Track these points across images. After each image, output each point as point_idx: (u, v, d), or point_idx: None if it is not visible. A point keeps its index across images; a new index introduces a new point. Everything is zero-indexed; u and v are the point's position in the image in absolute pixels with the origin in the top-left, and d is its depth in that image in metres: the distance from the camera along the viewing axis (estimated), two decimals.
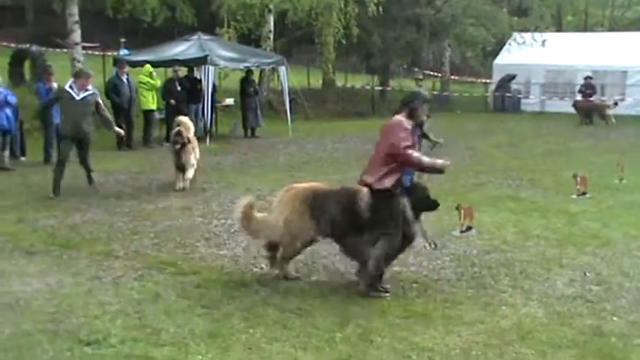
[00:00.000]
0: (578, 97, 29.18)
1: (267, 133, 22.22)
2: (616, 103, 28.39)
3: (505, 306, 6.75)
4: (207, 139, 19.66)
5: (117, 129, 13.10)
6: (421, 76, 22.11)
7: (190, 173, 12.93)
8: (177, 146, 12.69)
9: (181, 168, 12.81)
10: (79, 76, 12.38)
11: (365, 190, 7.10)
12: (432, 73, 39.24)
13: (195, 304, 6.72)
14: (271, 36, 27.75)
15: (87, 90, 12.07)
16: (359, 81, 36.61)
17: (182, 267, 7.93)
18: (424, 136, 10.99)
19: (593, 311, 6.60)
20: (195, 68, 21.06)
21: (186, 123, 13.38)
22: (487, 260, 8.32)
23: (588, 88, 29.17)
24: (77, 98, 11.97)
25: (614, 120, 27.47)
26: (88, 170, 12.50)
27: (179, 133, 12.78)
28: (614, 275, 7.74)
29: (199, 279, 7.48)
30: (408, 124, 6.97)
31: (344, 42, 29.08)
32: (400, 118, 7.03)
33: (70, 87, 12.06)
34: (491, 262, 8.25)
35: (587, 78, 29.76)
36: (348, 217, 7.14)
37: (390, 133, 6.94)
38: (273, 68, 25.09)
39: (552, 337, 5.97)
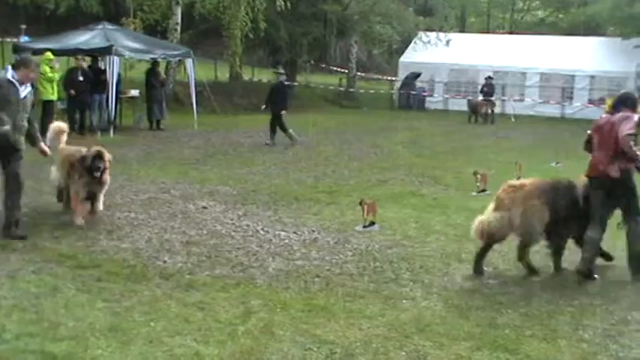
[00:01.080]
0: (480, 97, 30.02)
1: (173, 125, 21.95)
2: (494, 104, 29.35)
3: (405, 299, 6.89)
4: (111, 131, 19.30)
5: (43, 147, 9.28)
6: (281, 70, 22.30)
7: (102, 203, 9.87)
8: (98, 173, 9.39)
9: (92, 197, 9.60)
10: (23, 64, 8.71)
11: (583, 181, 7.94)
12: (338, 69, 39.56)
13: (96, 297, 6.60)
14: (178, 28, 27.37)
15: (28, 86, 8.69)
16: (266, 75, 36.55)
17: (82, 260, 7.76)
18: None
19: (489, 304, 6.81)
20: (99, 58, 20.61)
21: (61, 127, 10.49)
22: (389, 255, 8.47)
23: (488, 88, 30.09)
24: (20, 95, 8.55)
25: (513, 119, 28.38)
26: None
27: (99, 156, 9.43)
28: (510, 269, 8.01)
29: (100, 272, 7.34)
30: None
31: (251, 36, 28.96)
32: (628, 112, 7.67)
33: (13, 77, 8.52)
34: (392, 256, 8.40)
35: (487, 78, 30.67)
36: (569, 206, 7.87)
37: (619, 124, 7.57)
38: (179, 60, 24.79)
39: (450, 330, 6.12)
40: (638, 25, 34.16)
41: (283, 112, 19.31)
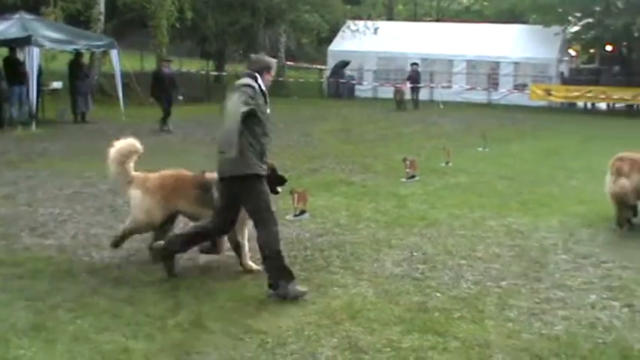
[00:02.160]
0: (408, 84, 30.37)
1: (99, 118, 21.56)
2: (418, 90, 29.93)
3: (337, 287, 6.92)
4: (33, 125, 18.84)
5: None
6: (168, 59, 22.38)
7: None
8: None
9: None
10: None
11: None
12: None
13: (18, 296, 6.43)
14: (102, 18, 26.87)
15: None
16: (194, 66, 36.23)
17: (3, 258, 7.54)
18: None
19: (419, 288, 6.89)
20: (17, 49, 20.05)
21: None
22: (320, 243, 8.50)
23: (414, 75, 30.51)
24: None
25: (441, 106, 28.79)
26: None
27: None
28: (439, 254, 8.12)
29: (23, 270, 7.15)
30: None
31: (178, 26, 28.63)
32: None
33: None
34: (323, 244, 8.43)
35: (413, 65, 31.08)
36: None
37: None
38: (104, 51, 24.33)
39: (381, 315, 6.18)
40: (558, 13, 35.12)
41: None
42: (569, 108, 33.15)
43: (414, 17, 50.41)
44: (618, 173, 9.33)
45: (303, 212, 9.74)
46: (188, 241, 7.10)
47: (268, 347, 5.50)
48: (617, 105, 32.84)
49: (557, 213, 10.30)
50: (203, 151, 16.06)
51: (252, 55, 7.35)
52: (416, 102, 29.90)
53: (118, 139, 7.84)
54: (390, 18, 46.57)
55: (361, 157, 15.47)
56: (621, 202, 9.38)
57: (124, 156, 7.66)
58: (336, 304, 6.43)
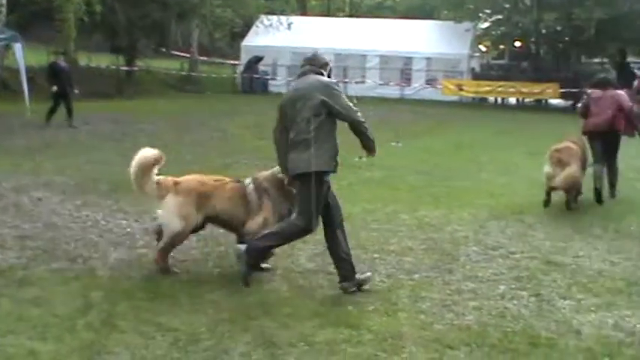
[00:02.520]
0: None
1: (2, 113, 20.90)
2: None
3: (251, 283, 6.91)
4: None
5: None
6: (63, 52, 22.05)
7: None
8: None
9: None
10: None
11: None
12: (180, 53, 38.98)
13: None
14: (4, 10, 26.01)
15: None
16: (104, 61, 35.48)
17: None
18: None
19: (333, 283, 6.93)
20: None
21: None
22: (233, 239, 8.44)
23: None
24: None
25: (355, 100, 28.97)
26: None
27: None
28: (353, 248, 8.07)
29: None
30: None
31: (86, 20, 27.98)
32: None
33: None
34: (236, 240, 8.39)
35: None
36: None
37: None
38: (7, 45, 23.56)
39: (295, 310, 6.20)
40: (469, 10, 35.92)
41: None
42: (481, 103, 33.95)
43: (328, 13, 50.57)
44: (560, 163, 10.30)
45: None
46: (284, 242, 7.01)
47: (181, 345, 5.46)
48: (526, 100, 33.78)
49: (468, 206, 10.55)
50: (112, 146, 15.82)
51: (309, 54, 7.35)
52: None
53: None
54: (304, 13, 46.70)
55: (274, 152, 15.40)
56: (573, 188, 10.44)
57: (149, 167, 7.39)
58: (250, 300, 6.42)
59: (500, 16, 36.38)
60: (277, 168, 7.30)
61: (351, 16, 48.76)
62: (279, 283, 6.92)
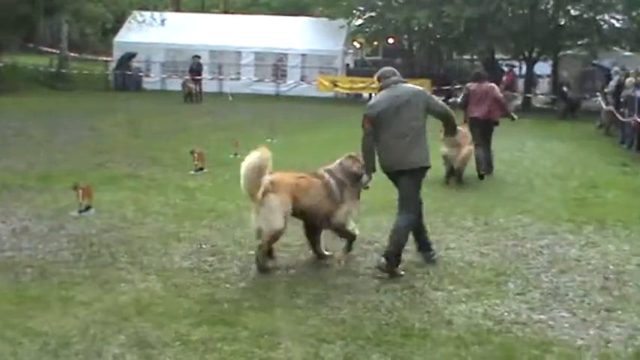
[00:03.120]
0: (187, 77, 30.35)
1: None
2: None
3: (124, 283, 6.80)
4: None
5: None
6: None
7: None
8: None
9: None
10: None
11: None
12: (49, 49, 37.68)
13: None
14: None
15: None
16: None
17: None
18: None
19: (208, 281, 6.92)
20: None
21: None
22: (106, 239, 8.29)
23: (196, 67, 30.58)
24: None
25: (230, 97, 28.96)
26: None
27: None
28: (228, 245, 8.19)
29: None
30: None
31: None
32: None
33: None
34: (110, 240, 8.24)
35: (194, 57, 31.07)
36: None
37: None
38: None
39: (170, 309, 6.14)
40: (343, 7, 36.39)
41: None
42: (355, 99, 34.42)
43: (202, 9, 50.07)
44: (456, 145, 11.97)
45: (88, 208, 9.45)
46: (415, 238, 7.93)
47: (50, 349, 5.30)
48: None
49: None
50: None
51: (387, 68, 8.27)
52: (199, 94, 29.88)
53: None
54: (178, 9, 46.07)
55: (149, 150, 15.23)
56: (466, 165, 12.50)
57: (264, 169, 7.47)
58: (123, 300, 6.32)
59: (373, 14, 37.01)
60: (344, 160, 8.08)
61: (225, 12, 48.46)
62: (153, 283, 6.83)
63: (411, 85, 7.99)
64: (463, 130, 12.04)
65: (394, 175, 7.66)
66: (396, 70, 8.03)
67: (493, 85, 13.71)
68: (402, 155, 7.48)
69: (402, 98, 7.57)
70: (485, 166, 13.19)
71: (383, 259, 7.25)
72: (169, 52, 35.46)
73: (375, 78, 8.16)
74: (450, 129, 8.37)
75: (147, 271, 7.18)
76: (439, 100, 8.20)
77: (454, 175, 12.50)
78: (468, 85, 13.95)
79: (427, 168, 7.67)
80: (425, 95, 7.83)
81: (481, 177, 12.95)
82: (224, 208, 10.05)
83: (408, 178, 7.56)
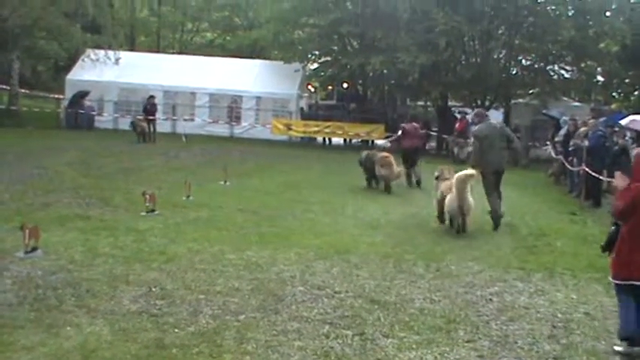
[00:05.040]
0: (139, 117, 30.30)
1: None
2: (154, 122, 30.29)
3: (70, 326, 6.70)
4: None
5: None
6: None
7: None
8: None
9: None
10: None
11: None
12: None
13: None
14: None
15: None
16: None
17: None
18: None
19: (157, 325, 6.85)
20: None
21: None
22: (53, 281, 8.16)
23: (151, 107, 30.53)
24: None
25: (184, 139, 28.90)
26: None
27: None
28: (178, 289, 8.13)
29: None
30: None
31: None
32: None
33: None
34: (57, 282, 8.11)
35: (149, 97, 31.02)
36: None
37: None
38: None
39: (116, 354, 6.06)
40: (298, 51, 36.74)
41: None
42: (309, 142, 34.60)
43: (157, 49, 50.10)
44: (390, 164, 17.83)
45: (35, 249, 9.30)
46: None
47: None
48: (353, 140, 34.69)
49: (295, 246, 10.70)
50: None
51: (480, 110, 16.61)
52: (153, 134, 29.76)
53: None
54: (133, 48, 46.02)
55: (100, 191, 15.07)
56: (398, 178, 18.22)
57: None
58: (68, 345, 6.22)
59: (328, 58, 37.41)
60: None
61: (181, 53, 48.54)
62: (101, 326, 6.73)
63: (496, 122, 15.34)
64: (389, 154, 18.27)
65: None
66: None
67: (417, 124, 21.09)
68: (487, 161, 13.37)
69: (495, 130, 13.75)
70: (415, 182, 18.96)
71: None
72: (123, 91, 35.31)
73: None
74: (516, 155, 15.31)
75: (94, 314, 7.08)
76: (512, 134, 14.32)
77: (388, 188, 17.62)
78: (403, 125, 20.74)
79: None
80: (506, 130, 14.36)
81: (409, 183, 18.99)
82: (175, 251, 9.97)
83: (496, 175, 13.65)
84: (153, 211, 12.66)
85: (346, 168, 21.61)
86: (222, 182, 17.14)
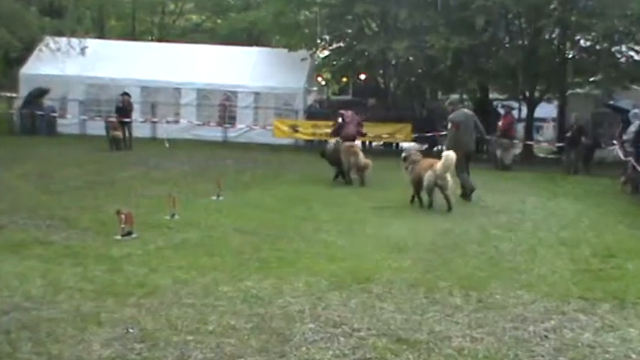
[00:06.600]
0: (112, 118, 30.26)
1: None
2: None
3: None
4: None
5: None
6: None
7: None
8: None
9: None
10: None
11: None
12: None
13: None
14: None
15: None
16: None
17: None
18: None
19: None
20: None
21: None
22: (5, 323, 8.14)
23: (125, 106, 30.54)
24: None
25: (167, 144, 28.96)
26: None
27: None
28: (161, 329, 8.09)
29: None
30: None
31: None
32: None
33: None
34: (10, 324, 8.09)
35: (123, 94, 31.01)
36: None
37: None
38: None
39: None
40: (304, 35, 36.55)
41: None
42: (320, 146, 34.48)
43: (132, 36, 50.29)
44: (355, 153, 21.17)
45: None
46: None
47: None
48: (374, 143, 34.59)
49: (304, 273, 10.66)
50: None
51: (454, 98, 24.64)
52: (128, 140, 29.83)
53: None
54: (102, 35, 46.21)
55: (63, 210, 15.11)
56: (368, 169, 21.34)
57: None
58: None
59: (341, 44, 37.29)
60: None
61: (161, 40, 48.67)
62: None
63: (468, 110, 20.22)
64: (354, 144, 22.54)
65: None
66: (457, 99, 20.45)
67: (352, 112, 24.43)
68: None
69: (467, 116, 19.38)
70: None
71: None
72: (91, 87, 35.43)
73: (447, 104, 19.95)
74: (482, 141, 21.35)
75: None
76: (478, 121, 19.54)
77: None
78: (342, 112, 24.58)
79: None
80: (475, 117, 19.55)
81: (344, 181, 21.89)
82: (157, 282, 9.95)
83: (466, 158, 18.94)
84: (129, 233, 12.66)
85: (355, 178, 21.58)
86: (214, 197, 17.15)
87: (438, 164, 16.78)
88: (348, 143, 22.01)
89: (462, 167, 18.50)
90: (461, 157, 18.00)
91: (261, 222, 14.70)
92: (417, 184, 17.29)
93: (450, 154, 16.84)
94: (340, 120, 23.77)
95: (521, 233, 14.52)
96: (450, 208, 16.70)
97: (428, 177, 16.80)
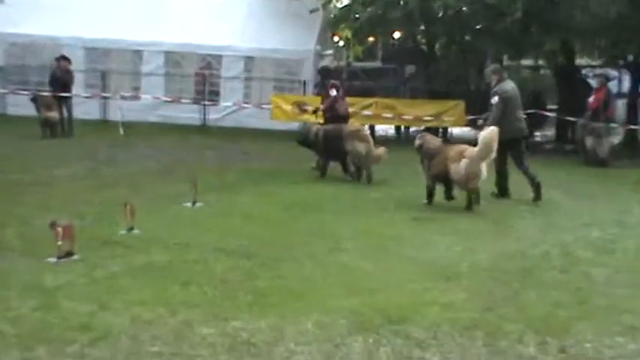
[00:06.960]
0: (45, 93, 30.21)
1: None
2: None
3: None
4: None
5: None
6: None
7: None
8: None
9: None
10: None
11: None
12: None
13: None
14: None
15: None
16: None
17: None
18: None
19: None
20: None
21: None
22: None
23: (62, 76, 30.48)
24: None
25: (122, 131, 29.02)
26: None
27: None
28: None
29: None
30: None
31: None
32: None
33: None
34: None
35: (59, 59, 30.82)
36: None
37: None
38: None
39: None
40: None
41: None
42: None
43: None
44: (366, 139, 22.48)
45: None
46: None
47: None
48: (412, 128, 34.11)
49: (316, 310, 10.66)
50: None
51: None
52: (68, 123, 29.82)
53: None
54: None
55: None
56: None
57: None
58: None
59: None
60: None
61: None
62: None
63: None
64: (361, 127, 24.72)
65: None
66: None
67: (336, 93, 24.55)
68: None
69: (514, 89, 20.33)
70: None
71: None
72: (13, 48, 35.40)
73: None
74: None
75: None
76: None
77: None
78: (331, 91, 24.49)
79: None
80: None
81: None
82: (108, 323, 9.96)
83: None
84: (69, 254, 12.69)
85: (397, 175, 21.61)
86: (188, 203, 17.18)
87: (472, 149, 17.47)
88: (355, 126, 23.69)
89: (520, 159, 19.75)
90: (519, 145, 19.74)
91: (255, 238, 14.71)
92: (445, 181, 18.35)
93: (489, 133, 17.44)
94: (334, 92, 24.44)
95: (620, 255, 14.49)
96: (470, 207, 17.84)
97: (462, 169, 17.48)
